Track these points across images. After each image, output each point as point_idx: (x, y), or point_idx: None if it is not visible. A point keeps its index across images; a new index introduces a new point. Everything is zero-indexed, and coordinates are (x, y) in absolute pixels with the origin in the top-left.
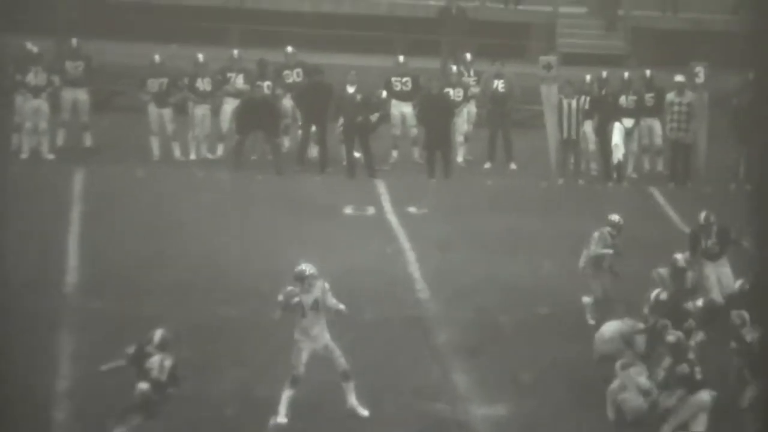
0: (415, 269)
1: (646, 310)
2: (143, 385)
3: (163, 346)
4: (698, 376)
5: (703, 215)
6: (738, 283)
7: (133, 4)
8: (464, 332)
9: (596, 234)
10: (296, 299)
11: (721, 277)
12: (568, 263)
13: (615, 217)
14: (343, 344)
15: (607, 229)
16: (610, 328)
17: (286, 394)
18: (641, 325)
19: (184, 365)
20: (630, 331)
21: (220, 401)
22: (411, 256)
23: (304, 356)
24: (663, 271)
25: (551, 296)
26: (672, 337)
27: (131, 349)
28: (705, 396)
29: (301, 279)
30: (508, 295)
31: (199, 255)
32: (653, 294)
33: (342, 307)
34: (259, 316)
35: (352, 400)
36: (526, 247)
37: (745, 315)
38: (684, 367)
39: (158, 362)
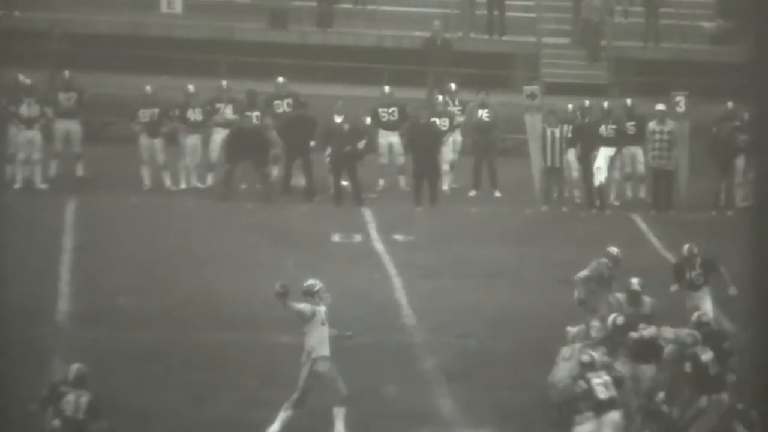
0: (401, 295)
1: (595, 333)
2: (55, 422)
3: (78, 383)
4: (601, 396)
5: (686, 247)
6: (695, 315)
7: (125, 36)
8: (451, 358)
9: (594, 263)
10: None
11: (699, 307)
12: (552, 290)
13: (613, 250)
14: None
15: (605, 260)
16: (562, 374)
17: (285, 415)
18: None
19: (179, 391)
20: (581, 370)
21: (216, 426)
22: (398, 282)
23: (314, 380)
24: (620, 296)
25: (536, 323)
26: (586, 356)
27: (45, 391)
28: (614, 416)
29: (311, 293)
30: (494, 321)
31: (190, 283)
32: (610, 318)
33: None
34: (250, 341)
35: (340, 427)
36: (510, 274)
37: (697, 334)
38: (581, 384)
39: (73, 400)
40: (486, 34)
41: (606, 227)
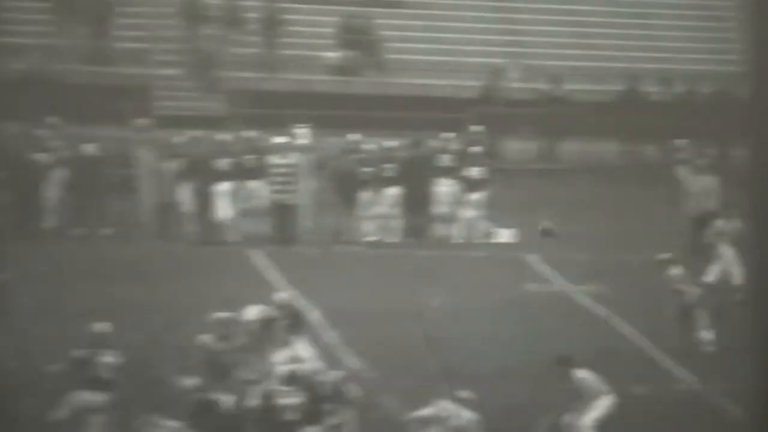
0: None
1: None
2: None
3: None
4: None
5: (278, 296)
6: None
7: None
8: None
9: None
10: None
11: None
12: (166, 330)
13: (282, 296)
14: None
15: (268, 307)
16: None
17: None
18: None
19: None
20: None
21: None
22: None
23: None
24: (206, 337)
25: (149, 364)
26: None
27: None
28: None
29: None
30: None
31: None
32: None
33: None
34: None
35: None
36: (119, 315)
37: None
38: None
39: None
40: (94, 65)
41: (223, 263)
